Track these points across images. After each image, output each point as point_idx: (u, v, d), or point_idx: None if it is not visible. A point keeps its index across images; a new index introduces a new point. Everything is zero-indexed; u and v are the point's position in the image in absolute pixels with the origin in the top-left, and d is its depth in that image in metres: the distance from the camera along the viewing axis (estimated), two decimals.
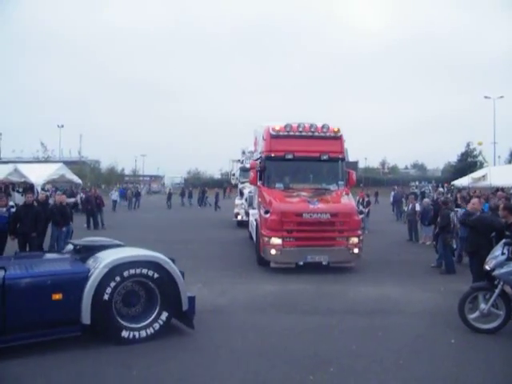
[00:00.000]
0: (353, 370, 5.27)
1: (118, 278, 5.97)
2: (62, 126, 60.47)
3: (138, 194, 37.59)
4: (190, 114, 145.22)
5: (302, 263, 10.67)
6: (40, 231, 10.70)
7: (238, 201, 22.21)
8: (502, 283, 6.43)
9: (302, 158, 12.13)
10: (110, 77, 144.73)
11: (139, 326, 6.14)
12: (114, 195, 32.16)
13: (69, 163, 37.36)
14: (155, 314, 6.25)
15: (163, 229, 21.30)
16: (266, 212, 11.03)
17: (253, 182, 12.75)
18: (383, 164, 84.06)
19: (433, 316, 7.47)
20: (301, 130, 12.15)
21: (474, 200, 8.71)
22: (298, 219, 10.65)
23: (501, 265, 6.45)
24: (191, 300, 6.54)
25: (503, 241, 6.67)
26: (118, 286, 6.00)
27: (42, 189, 24.46)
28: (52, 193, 27.17)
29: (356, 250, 10.92)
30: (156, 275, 6.25)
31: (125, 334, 6.01)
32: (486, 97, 38.73)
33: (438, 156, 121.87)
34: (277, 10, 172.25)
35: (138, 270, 6.14)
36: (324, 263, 10.75)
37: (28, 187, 23.43)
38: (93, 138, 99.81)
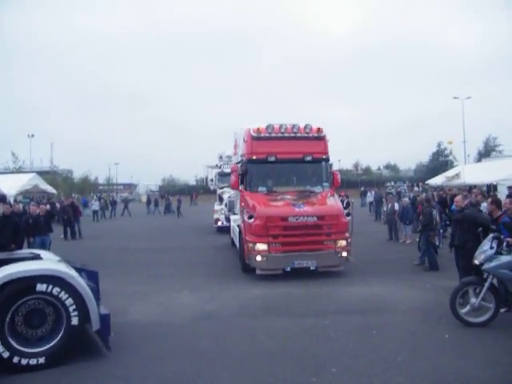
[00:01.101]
0: (354, 369, 5.27)
1: (7, 296, 5.33)
2: (33, 136, 59.25)
3: (113, 203, 36.98)
4: (162, 121, 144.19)
5: (288, 269, 10.31)
6: (19, 243, 10.33)
7: (217, 206, 21.99)
8: (491, 277, 6.55)
9: (284, 159, 11.74)
10: (81, 84, 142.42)
11: (41, 349, 5.51)
12: (95, 205, 31.02)
13: (40, 173, 36.39)
14: (62, 332, 5.65)
15: (142, 237, 21.04)
16: (250, 217, 10.53)
17: (234, 187, 12.27)
18: (356, 166, 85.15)
19: (423, 312, 7.57)
20: (283, 130, 11.77)
21: (457, 198, 8.87)
22: (284, 223, 10.28)
23: (490, 259, 6.58)
24: (105, 318, 5.93)
25: (491, 235, 6.81)
26: (8, 305, 5.36)
27: (15, 200, 23.79)
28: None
29: (344, 254, 10.58)
30: (57, 291, 5.55)
31: (16, 359, 5.33)
32: (454, 97, 39.77)
33: (410, 156, 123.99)
34: (246, 17, 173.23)
35: (36, 287, 5.46)
36: (312, 268, 10.44)
37: (0, 198, 22.72)
38: (64, 147, 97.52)
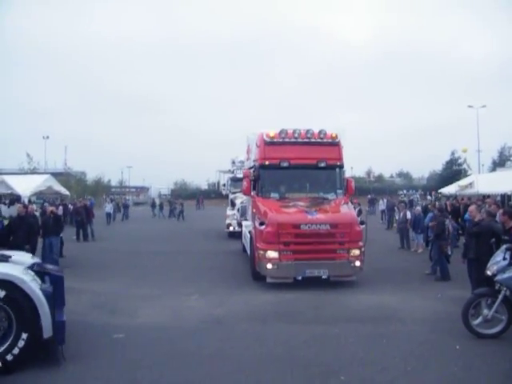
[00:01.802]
0: (363, 377, 5.25)
1: None
2: (48, 137, 59.89)
3: (126, 206, 37.20)
4: (176, 126, 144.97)
5: (300, 278, 10.06)
6: (33, 243, 10.50)
7: (229, 211, 21.95)
8: (504, 289, 6.47)
9: (298, 165, 11.51)
10: (96, 88, 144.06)
11: None
12: (108, 207, 30.78)
13: (54, 175, 36.71)
14: (12, 338, 5.45)
15: (153, 240, 21.13)
16: (261, 224, 10.27)
17: (246, 192, 12.07)
18: (369, 173, 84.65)
19: (434, 322, 7.50)
20: (296, 136, 11.52)
21: (471, 207, 8.76)
22: (296, 231, 10.01)
23: (503, 270, 6.52)
24: (59, 325, 5.66)
25: (504, 246, 6.74)
26: None
27: (29, 200, 24.07)
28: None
29: (358, 263, 10.22)
30: (5, 295, 5.40)
31: None
32: (469, 106, 39.49)
33: (423, 164, 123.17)
34: (257, 26, 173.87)
35: None
36: (324, 277, 10.10)
37: (15, 199, 23.05)
38: (78, 149, 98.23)
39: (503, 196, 21.63)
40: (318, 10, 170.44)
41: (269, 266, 10.00)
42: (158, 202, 43.95)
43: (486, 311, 6.59)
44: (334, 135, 11.71)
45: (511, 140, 76.72)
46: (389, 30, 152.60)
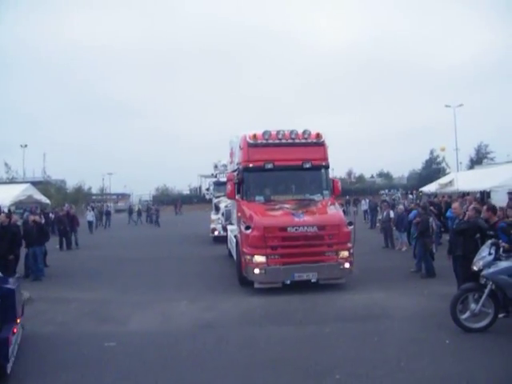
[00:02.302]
0: (358, 375, 5.32)
1: None
2: (26, 146, 58.77)
3: (108, 213, 36.78)
4: (156, 132, 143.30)
5: (288, 282, 9.84)
6: (17, 253, 10.34)
7: (213, 216, 21.80)
8: (490, 283, 6.63)
9: (282, 167, 11.22)
10: (74, 94, 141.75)
11: None
12: (89, 215, 30.11)
13: (33, 183, 36.13)
14: None
15: (138, 247, 21.01)
16: (247, 228, 10.01)
17: (230, 196, 11.87)
18: (350, 174, 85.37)
19: (422, 319, 7.63)
20: (280, 137, 11.27)
21: (455, 205, 8.88)
22: (283, 234, 9.79)
23: (488, 265, 6.68)
24: (1, 343, 5.26)
25: (490, 241, 6.92)
26: None
27: (9, 210, 23.64)
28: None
29: (347, 265, 10.04)
30: None
31: None
32: (446, 105, 40.14)
33: (403, 164, 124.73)
34: (236, 30, 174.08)
35: None
36: (313, 281, 9.93)
37: None
38: (57, 157, 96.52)
39: (482, 193, 22.06)
40: (296, 15, 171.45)
41: (256, 270, 9.77)
42: (136, 208, 43.51)
43: (473, 306, 6.74)
44: (318, 135, 11.51)
45: (487, 138, 78.57)
46: (367, 35, 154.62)
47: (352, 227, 10.30)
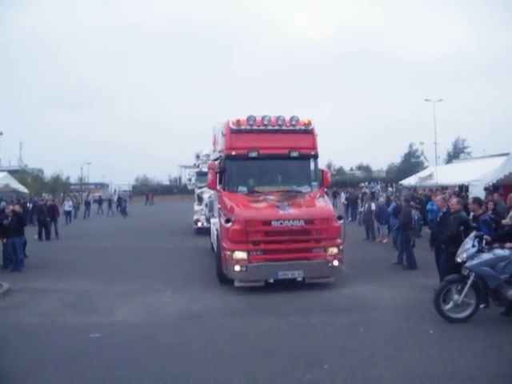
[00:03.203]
0: (346, 365, 5.39)
1: None
2: (1, 134, 57.30)
3: (87, 203, 36.17)
4: (136, 120, 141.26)
5: (272, 281, 9.20)
6: None
7: (196, 207, 21.33)
8: (473, 274, 6.78)
9: (268, 155, 10.46)
10: (52, 81, 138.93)
11: None
12: (67, 205, 29.13)
13: (9, 172, 35.32)
14: None
15: (118, 237, 20.79)
16: (227, 221, 9.26)
17: (211, 186, 11.04)
18: (329, 166, 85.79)
19: (406, 310, 7.77)
20: (266, 123, 10.47)
21: (438, 198, 8.95)
22: (266, 228, 9.10)
23: (472, 257, 6.83)
24: None
25: (473, 233, 7.06)
26: None
27: None
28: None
29: (336, 263, 9.35)
30: None
31: None
32: (426, 100, 40.52)
33: (382, 157, 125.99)
34: (222, 17, 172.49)
35: None
36: (299, 279, 9.30)
37: None
38: (34, 145, 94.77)
39: (461, 187, 22.48)
40: (279, 4, 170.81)
41: (237, 268, 9.06)
42: (115, 198, 43.03)
43: (456, 297, 6.89)
44: (306, 122, 10.75)
45: (464, 133, 79.97)
46: (347, 28, 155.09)
47: (342, 222, 9.71)
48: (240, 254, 9.10)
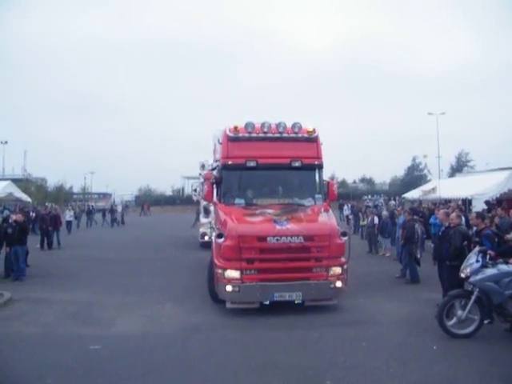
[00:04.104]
0: (348, 381, 5.33)
1: None
2: (6, 143, 57.72)
3: (90, 213, 36.24)
4: (140, 131, 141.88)
5: (267, 302, 8.40)
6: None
7: (203, 219, 19.43)
8: (477, 290, 6.72)
9: (267, 165, 9.75)
10: (57, 90, 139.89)
11: None
12: (68, 215, 28.76)
13: (13, 181, 35.49)
14: None
15: (120, 248, 20.66)
16: (219, 236, 8.51)
17: (207, 198, 10.28)
18: (332, 178, 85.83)
19: (409, 324, 7.70)
20: (266, 130, 9.76)
21: (453, 215, 8.77)
22: (261, 245, 8.29)
23: (476, 272, 6.78)
24: None
25: (477, 248, 7.02)
26: None
27: None
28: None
29: (339, 284, 8.49)
30: None
31: None
32: (429, 113, 40.59)
33: (385, 170, 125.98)
34: (223, 29, 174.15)
35: None
36: (297, 302, 8.44)
37: None
38: (38, 155, 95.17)
39: (464, 200, 22.41)
40: (277, 15, 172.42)
41: (228, 287, 8.27)
42: (119, 208, 43.08)
43: (459, 312, 6.82)
44: (310, 129, 10.02)
45: (468, 146, 79.98)
46: (350, 40, 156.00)
47: (346, 238, 8.79)
48: (232, 273, 8.30)
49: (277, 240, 8.22)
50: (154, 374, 5.65)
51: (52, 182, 59.40)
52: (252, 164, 9.67)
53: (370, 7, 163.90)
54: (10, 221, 13.02)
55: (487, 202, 16.56)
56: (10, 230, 12.43)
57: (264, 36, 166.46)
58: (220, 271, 8.42)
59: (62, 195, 56.57)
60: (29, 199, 29.58)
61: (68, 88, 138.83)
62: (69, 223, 28.26)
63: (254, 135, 9.83)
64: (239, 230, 8.44)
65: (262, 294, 8.30)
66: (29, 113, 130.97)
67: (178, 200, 67.99)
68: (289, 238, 8.24)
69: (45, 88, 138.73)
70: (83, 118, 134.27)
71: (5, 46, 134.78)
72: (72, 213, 30.43)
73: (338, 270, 8.54)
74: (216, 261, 8.68)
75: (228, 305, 8.50)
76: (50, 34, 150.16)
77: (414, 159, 62.06)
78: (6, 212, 22.56)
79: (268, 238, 8.24)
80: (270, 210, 9.14)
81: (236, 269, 8.27)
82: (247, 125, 9.76)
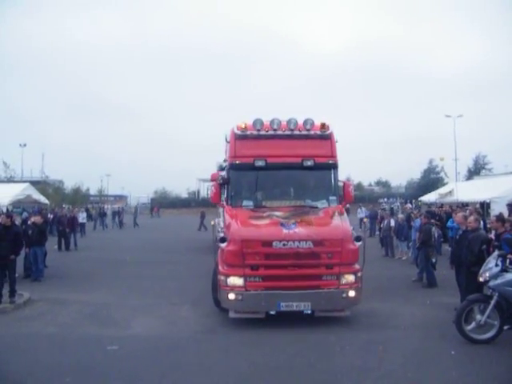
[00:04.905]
0: None
1: None
2: (25, 145, 58.64)
3: (103, 215, 36.58)
4: (156, 134, 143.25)
5: (273, 312, 7.82)
6: (18, 254, 10.27)
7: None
8: (496, 294, 6.62)
9: (277, 165, 9.20)
10: (74, 94, 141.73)
11: None
12: (81, 217, 28.25)
13: (31, 183, 36.05)
14: None
15: (136, 249, 20.84)
16: (222, 240, 7.97)
17: (214, 200, 9.61)
18: (348, 180, 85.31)
19: (426, 329, 7.62)
20: (275, 127, 9.19)
21: (471, 218, 8.62)
22: (266, 250, 7.70)
23: (495, 276, 6.68)
24: None
25: (496, 253, 6.92)
26: None
27: (7, 210, 23.57)
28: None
29: (352, 293, 7.79)
30: None
31: None
32: (447, 116, 40.24)
33: (401, 173, 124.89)
34: (237, 34, 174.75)
35: None
36: (306, 312, 7.86)
37: None
38: (56, 157, 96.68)
39: (482, 204, 22.11)
40: (292, 18, 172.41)
41: (231, 295, 7.69)
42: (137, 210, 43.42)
43: (478, 317, 6.72)
44: (323, 126, 9.39)
45: (485, 149, 78.83)
46: (365, 42, 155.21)
47: (360, 243, 8.11)
48: (235, 280, 7.72)
49: (283, 245, 7.61)
50: (169, 375, 5.69)
51: (69, 184, 60.25)
52: (261, 164, 9.14)
53: (382, 9, 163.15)
54: (29, 222, 13.25)
55: (509, 205, 16.25)
56: (29, 232, 12.64)
57: (278, 38, 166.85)
58: (222, 278, 7.86)
59: (79, 197, 57.23)
60: (46, 201, 30.02)
61: (86, 93, 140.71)
62: (82, 225, 28.41)
63: (262, 133, 9.32)
64: (242, 233, 7.91)
65: (267, 303, 7.71)
66: (47, 116, 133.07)
67: (194, 202, 68.29)
68: (297, 242, 7.61)
69: (64, 92, 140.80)
70: (100, 122, 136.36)
71: (25, 51, 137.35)
72: (85, 215, 30.64)
73: (350, 278, 7.88)
74: (219, 267, 8.16)
75: (231, 314, 7.96)
76: (71, 39, 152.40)
77: (430, 162, 61.21)
78: (25, 214, 22.96)
79: (274, 243, 7.63)
80: (278, 213, 8.56)
81: (239, 276, 7.71)
82: (255, 122, 9.26)
